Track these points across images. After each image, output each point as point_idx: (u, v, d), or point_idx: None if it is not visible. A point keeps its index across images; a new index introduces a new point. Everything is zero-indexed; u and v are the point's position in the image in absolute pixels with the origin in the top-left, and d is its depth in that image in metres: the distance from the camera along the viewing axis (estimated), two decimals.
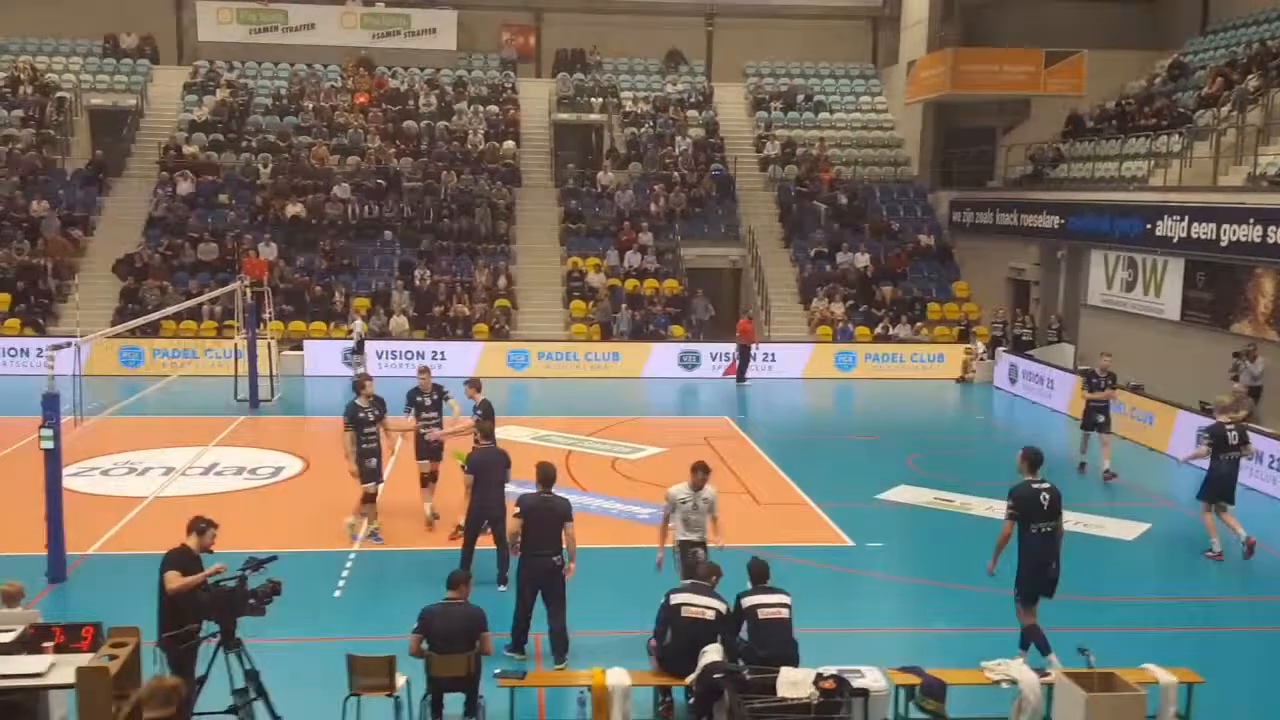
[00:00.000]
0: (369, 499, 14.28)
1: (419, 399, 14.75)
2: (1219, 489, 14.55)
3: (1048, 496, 10.40)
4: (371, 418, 14.11)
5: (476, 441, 12.79)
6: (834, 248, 32.22)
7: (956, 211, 33.11)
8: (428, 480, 15.05)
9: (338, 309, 28.95)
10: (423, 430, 14.62)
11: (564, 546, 10.60)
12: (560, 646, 10.57)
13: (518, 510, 10.65)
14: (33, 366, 25.20)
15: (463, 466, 12.86)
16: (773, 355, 28.64)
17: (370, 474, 14.15)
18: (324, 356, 27.40)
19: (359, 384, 14.40)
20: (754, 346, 27.72)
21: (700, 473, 11.02)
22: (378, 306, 29.00)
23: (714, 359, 28.49)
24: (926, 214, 34.14)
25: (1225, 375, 21.03)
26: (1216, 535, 14.49)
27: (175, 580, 8.71)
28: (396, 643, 9.38)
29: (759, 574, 9.55)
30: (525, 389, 26.82)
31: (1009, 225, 29.79)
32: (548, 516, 10.58)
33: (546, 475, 10.87)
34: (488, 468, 12.40)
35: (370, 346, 27.58)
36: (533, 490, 10.88)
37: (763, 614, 9.21)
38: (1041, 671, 9.61)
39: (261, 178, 32.51)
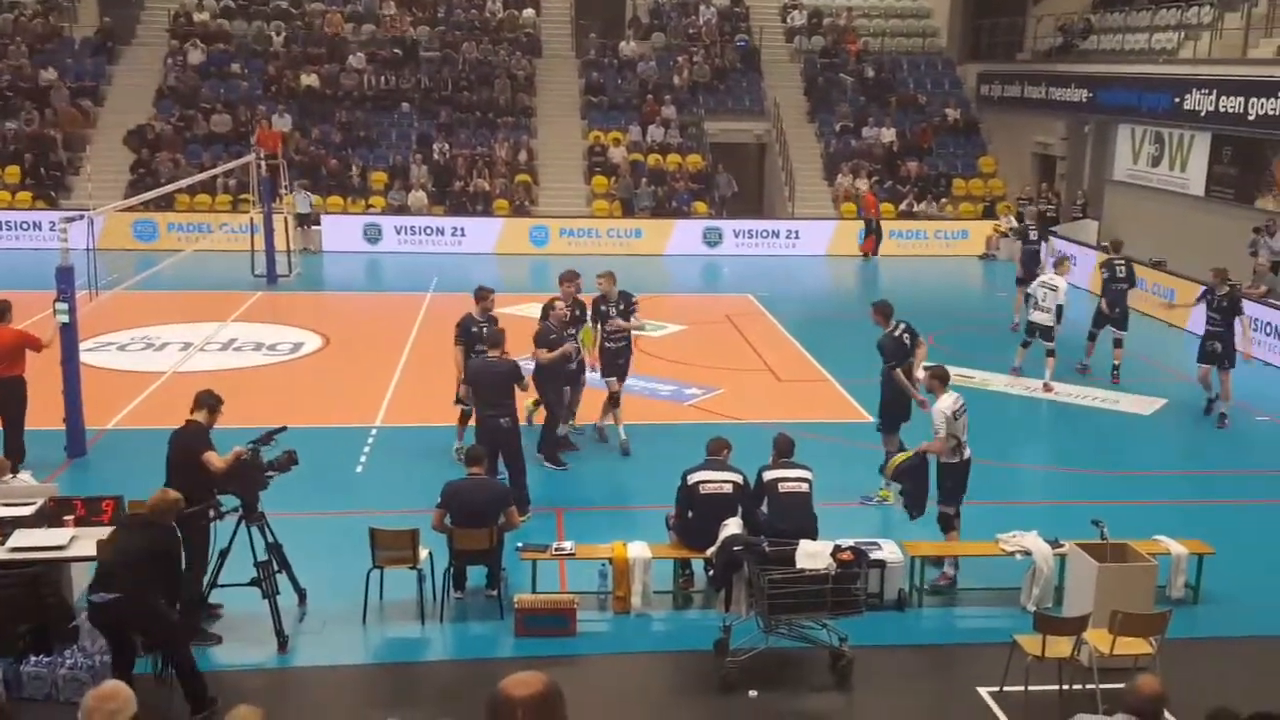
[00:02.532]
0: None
1: (603, 308, 13.19)
2: (1101, 319, 17.13)
3: (908, 337, 11.96)
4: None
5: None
6: (859, 122, 31.64)
7: (984, 84, 32.39)
8: (613, 403, 13.41)
9: (354, 183, 28.77)
10: (607, 345, 13.14)
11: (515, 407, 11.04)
12: (521, 506, 10.66)
13: (463, 376, 11.18)
14: (45, 240, 25.03)
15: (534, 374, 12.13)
16: (796, 232, 28.46)
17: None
18: (341, 231, 27.34)
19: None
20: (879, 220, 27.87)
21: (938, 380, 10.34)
22: (396, 181, 28.78)
23: (737, 236, 28.29)
24: (954, 87, 33.40)
25: (1246, 251, 20.85)
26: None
27: (219, 460, 8.58)
28: (418, 517, 9.50)
29: (784, 448, 9.60)
30: (546, 266, 26.67)
31: (1037, 99, 29.16)
32: (492, 379, 10.93)
33: (490, 339, 11.38)
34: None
35: (389, 222, 27.48)
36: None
37: (783, 488, 9.28)
38: (1054, 543, 9.71)
39: (274, 46, 32.01)
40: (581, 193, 29.88)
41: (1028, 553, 9.71)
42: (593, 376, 13.50)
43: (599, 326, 13.20)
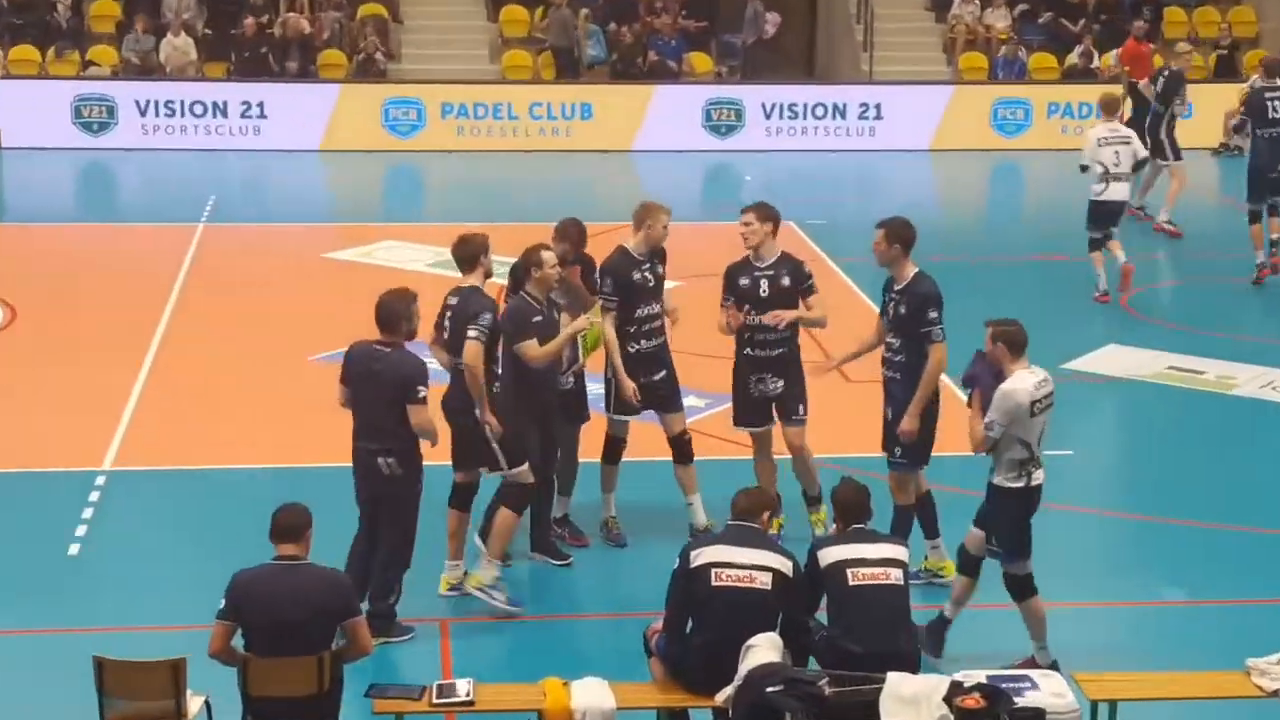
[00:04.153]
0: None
1: (638, 276, 12.80)
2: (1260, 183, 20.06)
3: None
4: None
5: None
6: None
7: None
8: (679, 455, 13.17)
9: (62, 23, 28.62)
10: (634, 349, 12.79)
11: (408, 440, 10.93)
12: (375, 605, 10.75)
13: (341, 372, 11.20)
14: None
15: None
16: (876, 109, 28.70)
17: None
18: (37, 112, 27.31)
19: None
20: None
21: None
22: (137, 18, 28.64)
23: (768, 115, 28.41)
24: None
25: None
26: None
27: None
28: (187, 635, 9.49)
29: (852, 507, 9.64)
30: (419, 173, 26.69)
31: None
32: (372, 385, 10.99)
33: (382, 316, 11.09)
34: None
35: (125, 94, 27.34)
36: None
37: (856, 577, 9.32)
38: None
39: None
40: (481, 37, 29.92)
41: None
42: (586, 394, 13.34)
43: (618, 313, 12.68)
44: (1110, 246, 19.35)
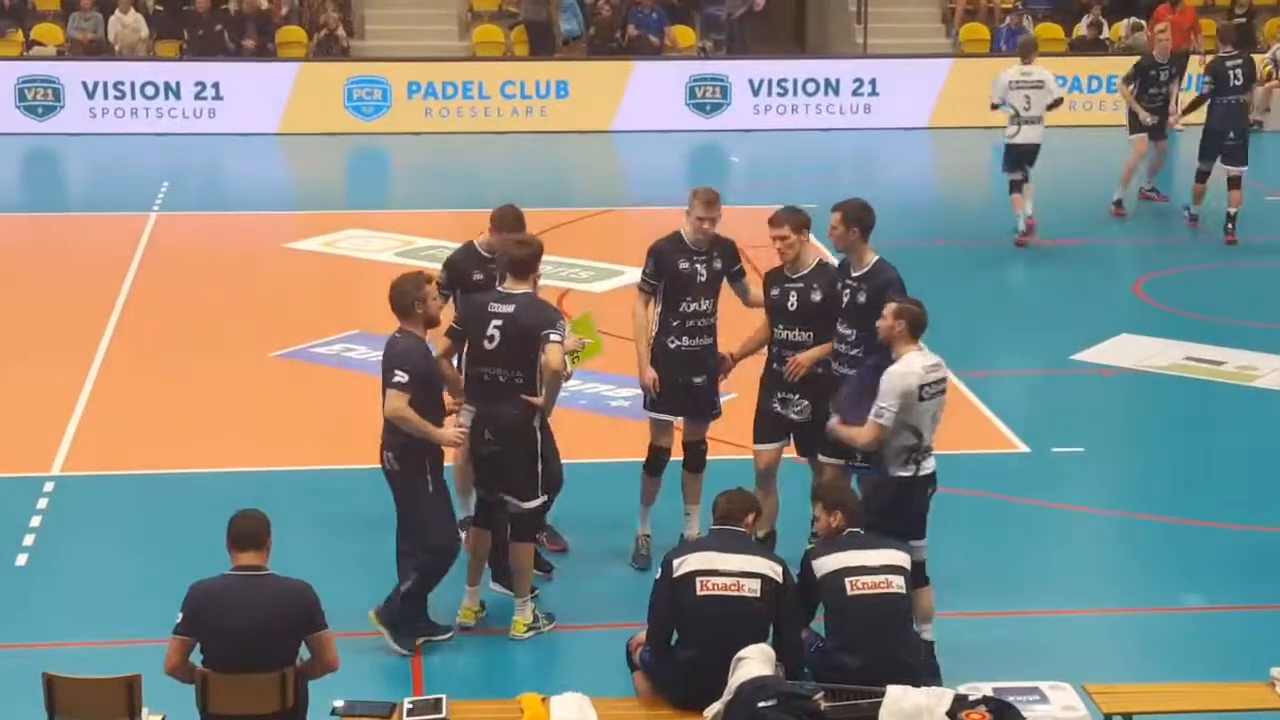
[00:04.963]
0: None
1: (685, 266, 12.71)
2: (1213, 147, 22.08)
3: None
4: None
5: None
6: None
7: None
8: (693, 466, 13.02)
9: (3, 0, 28.55)
10: (674, 344, 12.61)
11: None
12: (393, 591, 10.89)
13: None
14: None
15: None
16: (870, 85, 28.74)
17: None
18: None
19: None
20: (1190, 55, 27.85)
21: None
22: None
23: (756, 93, 28.45)
24: None
25: None
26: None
27: None
28: (143, 650, 9.48)
29: (847, 509, 9.67)
30: (384, 156, 26.64)
31: None
32: (384, 369, 11.07)
33: (393, 300, 11.14)
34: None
35: (72, 75, 27.27)
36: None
37: (854, 587, 9.35)
38: None
39: None
40: (449, 11, 29.94)
41: None
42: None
43: (656, 307, 12.66)
44: (1023, 193, 21.50)
